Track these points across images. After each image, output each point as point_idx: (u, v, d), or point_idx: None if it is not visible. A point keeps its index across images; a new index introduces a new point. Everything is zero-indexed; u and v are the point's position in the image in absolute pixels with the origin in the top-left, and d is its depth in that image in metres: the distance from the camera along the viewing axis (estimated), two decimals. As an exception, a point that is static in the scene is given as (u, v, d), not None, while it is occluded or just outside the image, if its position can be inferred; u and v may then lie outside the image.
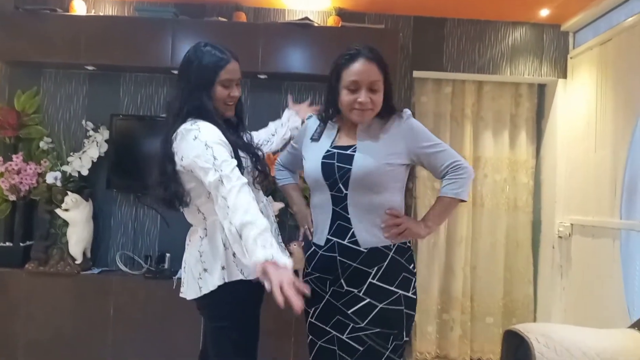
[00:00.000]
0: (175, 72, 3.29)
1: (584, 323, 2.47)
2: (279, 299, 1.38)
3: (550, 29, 3.59)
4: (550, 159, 3.65)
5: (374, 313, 1.70)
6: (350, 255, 1.73)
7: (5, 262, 3.23)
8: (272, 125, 2.33)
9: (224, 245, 1.73)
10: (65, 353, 3.14)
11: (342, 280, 1.75)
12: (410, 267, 1.78)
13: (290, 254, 3.14)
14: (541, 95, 3.80)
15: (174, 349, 3.07)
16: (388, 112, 1.78)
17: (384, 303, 1.70)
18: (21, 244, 3.28)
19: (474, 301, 3.70)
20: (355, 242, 1.73)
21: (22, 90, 3.46)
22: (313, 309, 1.81)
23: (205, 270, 1.75)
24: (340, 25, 3.37)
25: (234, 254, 1.73)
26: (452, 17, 3.57)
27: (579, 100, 3.40)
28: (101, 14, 3.54)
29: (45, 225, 3.30)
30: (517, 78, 3.64)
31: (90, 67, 3.42)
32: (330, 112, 1.83)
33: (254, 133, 2.10)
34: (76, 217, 3.23)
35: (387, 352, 1.70)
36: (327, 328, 1.77)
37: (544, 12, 3.39)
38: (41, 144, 3.39)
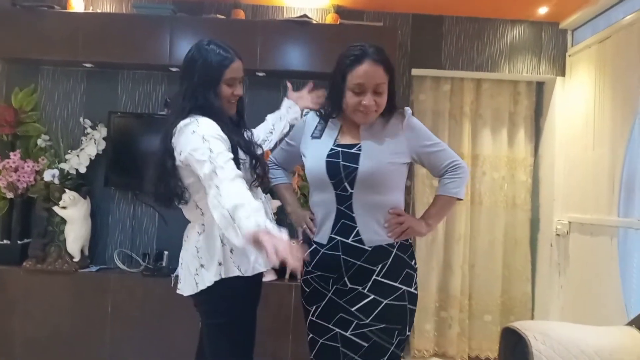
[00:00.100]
0: (174, 69, 3.35)
1: (581, 320, 2.47)
2: (274, 260, 1.36)
3: (549, 27, 3.59)
4: (548, 157, 3.65)
5: (379, 309, 1.72)
6: (355, 253, 1.74)
7: (3, 260, 3.22)
8: (269, 119, 2.26)
9: (221, 241, 1.73)
10: (63, 351, 3.13)
11: (345, 279, 1.75)
12: (412, 263, 1.81)
13: (289, 251, 3.16)
14: (540, 93, 3.80)
15: (172, 346, 3.06)
16: (390, 110, 1.78)
17: (389, 299, 1.73)
18: (19, 242, 3.28)
19: (472, 299, 3.71)
20: (360, 241, 1.74)
21: (20, 87, 3.45)
22: (314, 307, 1.81)
23: (202, 266, 1.75)
24: (338, 22, 3.37)
25: (231, 250, 1.73)
26: (450, 15, 3.56)
27: (577, 98, 3.40)
28: (99, 11, 3.53)
29: (43, 222, 3.29)
30: (515, 76, 3.64)
31: (88, 65, 3.41)
32: (333, 111, 1.82)
33: (253, 131, 2.09)
34: (74, 214, 3.22)
35: (392, 348, 1.72)
36: (329, 326, 1.76)
37: (543, 10, 3.39)
38: (39, 141, 3.38)
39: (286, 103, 2.30)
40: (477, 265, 3.72)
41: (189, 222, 1.89)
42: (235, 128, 1.85)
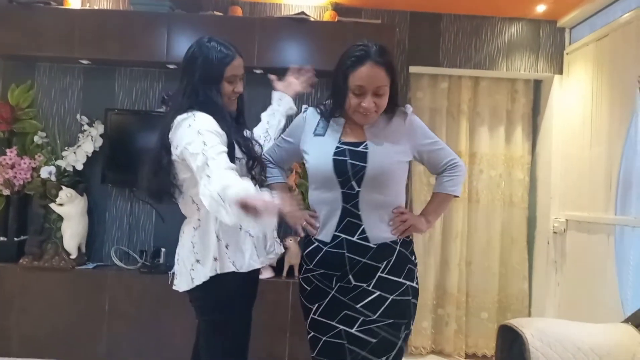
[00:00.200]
0: (171, 66, 3.34)
1: (578, 318, 2.47)
2: (266, 211, 1.35)
3: (547, 25, 3.59)
4: (545, 155, 3.66)
5: (385, 305, 1.73)
6: (360, 251, 1.74)
7: (0, 257, 3.21)
8: (264, 117, 2.20)
9: (217, 236, 1.73)
10: (60, 348, 3.13)
11: (350, 276, 1.75)
12: (413, 258, 1.84)
13: (286, 249, 3.17)
14: (537, 91, 3.81)
15: (169, 343, 3.07)
16: (392, 108, 1.79)
17: (394, 295, 1.75)
18: (15, 239, 3.27)
19: (469, 296, 3.71)
20: (365, 239, 1.74)
21: (16, 84, 3.44)
22: (316, 305, 1.80)
23: (197, 261, 1.75)
24: (336, 20, 3.36)
25: (226, 246, 1.73)
26: (448, 13, 3.56)
27: (574, 96, 3.41)
28: (96, 7, 3.52)
29: (40, 219, 3.29)
30: (513, 74, 3.65)
31: (84, 61, 3.40)
32: (336, 110, 1.80)
33: (253, 130, 2.08)
34: (71, 211, 3.21)
35: (400, 342, 1.75)
36: (333, 323, 1.76)
37: (541, 8, 3.39)
38: (35, 138, 3.37)
39: (275, 95, 2.21)
40: (474, 262, 3.73)
41: (185, 218, 1.89)
42: (235, 125, 1.85)
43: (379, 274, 1.75)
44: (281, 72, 3.37)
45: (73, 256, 3.23)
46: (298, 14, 3.28)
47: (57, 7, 3.31)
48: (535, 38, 3.60)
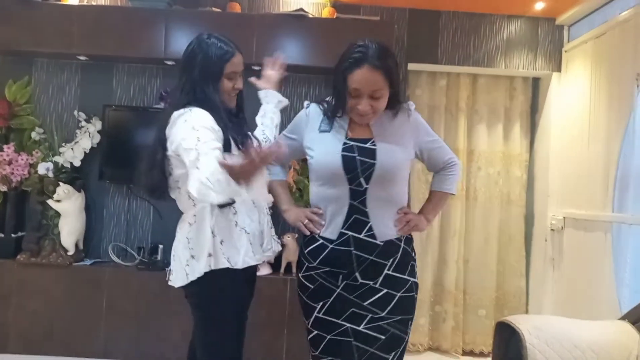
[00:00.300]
0: (169, 62, 3.33)
1: (575, 315, 2.48)
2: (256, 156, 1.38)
3: (545, 23, 3.59)
4: (543, 153, 3.66)
5: (394, 302, 1.75)
6: (367, 248, 1.74)
7: (-3, 253, 3.21)
8: (258, 121, 2.13)
9: (212, 232, 1.73)
10: (57, 344, 3.13)
11: (357, 274, 1.74)
12: (414, 254, 1.86)
13: (284, 246, 3.17)
14: (535, 89, 3.81)
15: (166, 339, 3.07)
16: (395, 105, 1.78)
17: (401, 292, 1.77)
18: (13, 235, 3.27)
19: (466, 294, 3.72)
20: (372, 236, 1.74)
21: (14, 80, 3.42)
22: (321, 303, 1.78)
23: (192, 257, 1.74)
24: (335, 16, 3.36)
25: (221, 242, 1.73)
26: (447, 10, 3.56)
27: (573, 94, 3.41)
28: (93, 3, 3.50)
29: (37, 216, 3.28)
30: (511, 71, 3.64)
31: (82, 57, 3.39)
32: (338, 109, 1.79)
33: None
34: (68, 208, 3.21)
35: (407, 337, 1.79)
36: (339, 321, 1.75)
37: (539, 6, 3.39)
38: (33, 134, 3.36)
39: (261, 94, 2.15)
40: (471, 260, 3.74)
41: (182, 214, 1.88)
42: (235, 121, 1.84)
43: (385, 271, 1.75)
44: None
45: (70, 252, 3.22)
46: (297, 10, 3.28)
47: (55, 3, 3.30)
48: (533, 36, 3.60)
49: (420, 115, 1.90)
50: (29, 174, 3.26)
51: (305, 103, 1.91)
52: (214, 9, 3.34)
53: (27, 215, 3.35)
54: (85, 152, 3.30)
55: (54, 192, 3.17)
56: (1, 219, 3.33)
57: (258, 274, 2.02)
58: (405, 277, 1.79)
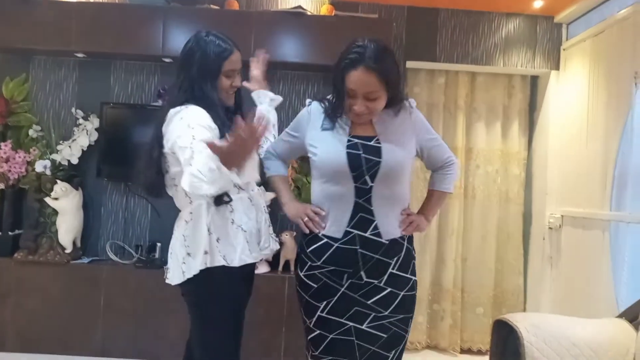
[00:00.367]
0: (167, 60, 3.33)
1: (573, 313, 2.48)
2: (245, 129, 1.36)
3: (544, 21, 3.58)
4: (541, 151, 3.66)
5: (397, 301, 1.75)
6: (372, 247, 1.73)
7: (-6, 251, 3.20)
8: None
9: (208, 229, 1.72)
10: (54, 342, 3.12)
11: (362, 272, 1.74)
12: (414, 253, 1.86)
13: (282, 243, 3.17)
14: (534, 87, 3.81)
15: (164, 337, 3.06)
16: (397, 102, 1.77)
17: (404, 291, 1.78)
18: (10, 233, 3.26)
19: (464, 292, 3.72)
20: (378, 234, 1.74)
21: (11, 77, 3.41)
22: (324, 302, 1.76)
23: (188, 254, 1.74)
24: (333, 14, 3.35)
25: (217, 239, 1.72)
26: (445, 8, 3.55)
27: (571, 92, 3.41)
28: (91, 0, 3.49)
29: (35, 214, 3.27)
30: (510, 69, 3.64)
31: (80, 55, 3.38)
32: (338, 109, 1.78)
33: None
34: (66, 206, 3.20)
35: (407, 335, 1.80)
36: (342, 320, 1.74)
37: (538, 4, 3.39)
38: (30, 132, 3.35)
39: (253, 96, 2.15)
40: (469, 258, 3.74)
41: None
42: (233, 119, 1.84)
43: (390, 270, 1.75)
44: (277, 67, 3.40)
45: (68, 250, 3.22)
46: (295, 7, 3.27)
47: (53, 0, 3.29)
48: (532, 34, 3.59)
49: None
50: (26, 171, 3.25)
51: (307, 101, 1.90)
52: (212, 6, 3.33)
53: (25, 213, 3.34)
54: (82, 150, 3.29)
55: (52, 189, 3.16)
56: (-2, 216, 3.33)
57: (256, 272, 2.02)
58: (408, 275, 1.80)
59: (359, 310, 1.74)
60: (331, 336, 1.75)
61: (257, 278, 2.00)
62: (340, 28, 3.20)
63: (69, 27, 3.20)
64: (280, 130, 2.07)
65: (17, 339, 3.13)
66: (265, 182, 3.11)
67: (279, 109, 2.19)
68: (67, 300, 3.14)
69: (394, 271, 1.76)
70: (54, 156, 3.26)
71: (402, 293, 1.77)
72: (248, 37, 3.17)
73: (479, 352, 3.68)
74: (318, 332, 1.77)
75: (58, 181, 3.17)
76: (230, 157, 1.42)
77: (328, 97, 1.84)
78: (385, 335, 1.74)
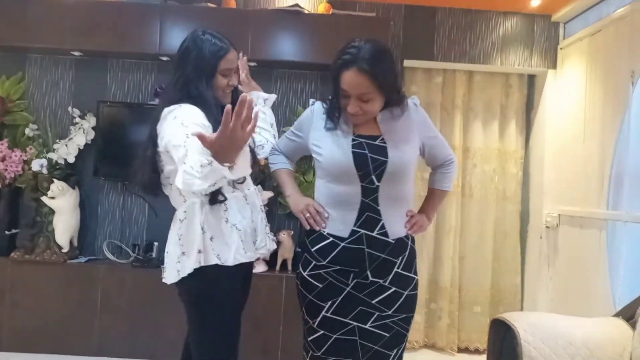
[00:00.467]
0: (164, 58, 3.32)
1: (570, 312, 2.48)
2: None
3: (541, 20, 3.59)
4: (539, 150, 3.67)
5: (401, 300, 1.76)
6: (379, 246, 1.73)
7: (-10, 250, 3.19)
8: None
9: (202, 228, 1.71)
10: (51, 342, 3.12)
11: (368, 272, 1.73)
12: (416, 252, 1.86)
13: (279, 243, 3.17)
14: (531, 86, 3.81)
15: (161, 337, 3.06)
16: (399, 101, 1.76)
17: (408, 290, 1.78)
18: (6, 232, 3.24)
19: (461, 291, 3.73)
20: (385, 234, 1.73)
21: (7, 75, 3.40)
22: (329, 302, 1.75)
23: (183, 253, 1.73)
24: (331, 12, 3.35)
25: (211, 238, 1.72)
26: (443, 6, 3.55)
27: (568, 91, 3.41)
28: (88, -2, 3.47)
29: (31, 213, 3.26)
30: (507, 68, 3.64)
31: (76, 53, 3.37)
32: (336, 109, 1.77)
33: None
34: (62, 205, 3.19)
35: (408, 334, 1.81)
36: (346, 320, 1.74)
37: (535, 3, 3.39)
38: (27, 130, 3.34)
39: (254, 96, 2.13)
40: (467, 257, 3.74)
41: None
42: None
43: (395, 269, 1.75)
44: (275, 65, 3.40)
45: (65, 250, 3.21)
46: (292, 6, 3.26)
47: (49, -2, 3.28)
48: (529, 33, 3.59)
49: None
50: (22, 170, 3.23)
51: (311, 101, 1.90)
52: (209, 4, 3.32)
53: (21, 212, 3.33)
54: (79, 149, 3.28)
55: (48, 188, 3.15)
56: (-5, 215, 3.32)
57: (253, 271, 2.01)
58: (412, 275, 1.80)
59: (364, 309, 1.74)
60: (335, 336, 1.74)
61: (254, 277, 2.00)
62: (337, 26, 3.20)
63: (65, 26, 3.19)
64: (278, 129, 2.06)
65: (14, 338, 3.12)
66: (262, 181, 3.11)
67: (275, 107, 2.19)
68: (63, 299, 3.13)
69: (399, 270, 1.76)
70: (51, 155, 3.25)
71: (406, 292, 1.77)
72: (245, 36, 3.17)
73: (476, 351, 3.69)
74: (321, 332, 1.76)
75: (55, 180, 3.16)
76: (221, 148, 1.40)
77: (330, 97, 1.83)
78: (387, 335, 1.74)
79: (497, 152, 3.76)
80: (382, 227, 1.73)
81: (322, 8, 3.38)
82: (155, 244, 3.26)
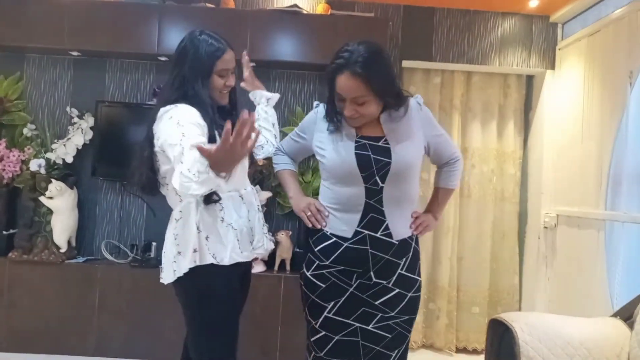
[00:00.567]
0: (162, 58, 3.32)
1: (568, 312, 2.49)
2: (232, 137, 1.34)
3: (539, 20, 3.59)
4: (537, 150, 3.67)
5: (404, 302, 1.76)
6: (383, 247, 1.73)
7: (-12, 250, 3.18)
8: (256, 125, 2.12)
9: (197, 227, 1.71)
10: (49, 342, 3.11)
11: (371, 273, 1.73)
12: (419, 254, 1.86)
13: (278, 242, 3.16)
14: (529, 87, 3.81)
15: (160, 337, 3.05)
16: (397, 103, 1.75)
17: (412, 292, 1.78)
18: (4, 232, 3.24)
19: (460, 291, 3.73)
20: (389, 235, 1.73)
21: (5, 75, 3.39)
22: (332, 303, 1.75)
23: (179, 253, 1.73)
24: (329, 13, 3.35)
25: (206, 237, 1.71)
26: (441, 7, 3.55)
27: (566, 91, 3.42)
28: (86, -2, 3.47)
29: (29, 213, 3.25)
30: (505, 69, 3.65)
31: (75, 53, 3.36)
32: (335, 112, 1.77)
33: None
34: (61, 205, 3.18)
35: (410, 335, 1.81)
36: (348, 321, 1.74)
37: (533, 3, 3.39)
38: (25, 130, 3.33)
39: (251, 97, 2.16)
40: (465, 257, 3.74)
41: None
42: (228, 119, 1.84)
43: (399, 271, 1.75)
44: (273, 65, 3.39)
45: (63, 250, 3.20)
46: (291, 6, 3.26)
47: (47, -2, 3.27)
48: (527, 33, 3.60)
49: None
50: (20, 170, 3.23)
51: (315, 103, 1.90)
52: (207, 4, 3.32)
53: (19, 212, 3.32)
54: (77, 149, 3.28)
55: (46, 188, 3.14)
56: (-7, 215, 3.31)
57: (252, 271, 2.01)
58: (415, 276, 1.80)
59: (366, 310, 1.74)
60: (337, 337, 1.74)
61: (252, 277, 2.00)
62: (336, 27, 3.20)
63: (64, 25, 3.18)
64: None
65: (12, 338, 3.11)
66: (260, 181, 3.11)
67: (274, 107, 2.19)
68: (61, 299, 3.12)
69: (403, 272, 1.76)
70: (49, 155, 3.24)
71: (409, 294, 1.77)
72: (244, 36, 3.17)
73: (475, 352, 3.69)
74: (323, 333, 1.76)
75: (53, 180, 3.15)
76: (218, 161, 1.41)
77: (326, 101, 1.84)
78: (389, 336, 1.75)
79: (496, 152, 3.77)
80: (386, 228, 1.73)
81: (320, 8, 3.38)
82: (154, 244, 3.26)
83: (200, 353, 1.77)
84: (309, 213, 1.80)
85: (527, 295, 3.69)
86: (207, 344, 1.75)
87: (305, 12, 3.30)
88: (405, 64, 3.60)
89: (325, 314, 1.75)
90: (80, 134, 3.29)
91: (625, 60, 2.76)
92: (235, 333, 1.80)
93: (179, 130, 1.59)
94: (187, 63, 1.75)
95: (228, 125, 1.33)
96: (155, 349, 3.07)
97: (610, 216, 2.83)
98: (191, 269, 1.70)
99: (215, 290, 1.74)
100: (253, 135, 1.37)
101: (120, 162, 3.20)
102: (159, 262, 3.15)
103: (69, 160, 3.26)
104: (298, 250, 3.20)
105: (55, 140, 3.31)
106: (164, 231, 1.86)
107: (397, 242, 1.74)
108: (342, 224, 1.75)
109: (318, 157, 1.83)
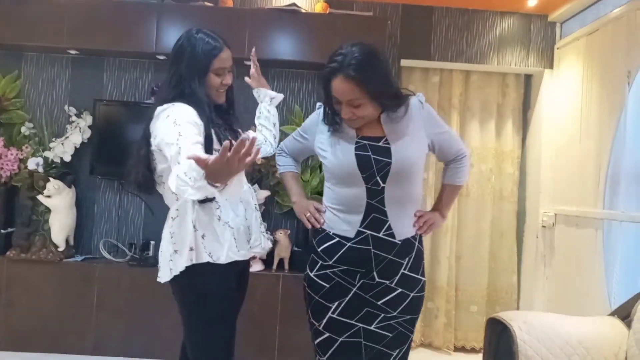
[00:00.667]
0: (160, 57, 3.31)
1: (566, 311, 2.49)
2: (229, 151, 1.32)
3: (538, 19, 3.59)
4: (535, 150, 3.68)
5: (406, 302, 1.75)
6: (386, 247, 1.73)
7: (-14, 249, 3.18)
8: (256, 122, 2.10)
9: (194, 226, 1.71)
10: (47, 341, 3.11)
11: (374, 273, 1.73)
12: (423, 254, 1.85)
13: (276, 241, 3.16)
14: (528, 86, 3.82)
15: (158, 336, 3.05)
16: (401, 101, 1.75)
17: (414, 292, 1.77)
18: (2, 231, 3.24)
19: (458, 290, 3.73)
20: (391, 235, 1.73)
21: (3, 74, 3.38)
22: (336, 303, 1.74)
23: (175, 251, 1.72)
24: (328, 11, 3.34)
25: (202, 236, 1.71)
26: (440, 6, 3.55)
27: (564, 90, 3.42)
28: (84, -4, 3.46)
29: (27, 211, 3.25)
30: (504, 68, 3.65)
31: (73, 51, 3.36)
32: (334, 115, 1.77)
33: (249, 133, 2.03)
34: (59, 203, 3.18)
35: (412, 335, 1.80)
36: (352, 322, 1.74)
37: (532, 2, 3.39)
38: (22, 129, 3.33)
39: (254, 94, 2.14)
40: (463, 256, 3.75)
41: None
42: (225, 117, 1.83)
43: (402, 271, 1.75)
44: (272, 64, 3.39)
45: (61, 248, 3.20)
46: (289, 5, 3.26)
47: (45, -4, 3.26)
48: (526, 32, 3.60)
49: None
50: (18, 169, 3.22)
51: (318, 104, 1.89)
52: (206, 3, 3.31)
53: (17, 211, 3.31)
54: (75, 147, 3.27)
55: (44, 187, 3.13)
56: (-10, 214, 3.30)
57: (250, 270, 2.01)
58: (418, 276, 1.79)
59: (369, 310, 1.74)
60: (341, 339, 1.74)
61: (251, 276, 1.99)
62: (334, 26, 3.20)
63: (62, 24, 3.18)
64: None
65: (10, 337, 3.11)
66: (259, 180, 3.10)
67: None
68: (59, 298, 3.12)
69: (406, 272, 1.75)
70: (47, 154, 3.24)
71: (412, 294, 1.76)
72: (242, 35, 3.16)
73: (473, 350, 3.69)
74: (327, 335, 1.75)
75: (51, 179, 3.15)
76: (214, 173, 1.39)
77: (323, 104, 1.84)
78: (391, 335, 1.74)
79: (494, 151, 3.77)
80: (389, 228, 1.72)
81: (319, 7, 3.38)
82: (152, 242, 3.25)
83: (196, 352, 1.77)
84: (308, 214, 1.82)
85: (526, 294, 3.69)
86: (203, 343, 1.75)
87: (303, 10, 3.29)
88: (404, 63, 3.60)
89: (329, 314, 1.75)
90: (78, 133, 3.28)
91: (624, 60, 2.76)
92: (232, 332, 1.79)
93: (175, 130, 1.58)
94: (183, 61, 1.74)
95: (226, 142, 1.32)
96: (154, 347, 3.07)
97: (608, 215, 2.83)
98: (187, 268, 1.69)
99: (212, 288, 1.73)
100: (253, 152, 1.35)
101: (119, 160, 3.15)
102: (157, 260, 3.16)
103: (67, 158, 3.25)
104: (296, 249, 3.20)
105: (53, 139, 3.30)
106: (162, 230, 1.86)
107: (399, 242, 1.73)
108: (344, 224, 1.75)
109: (320, 159, 1.83)
